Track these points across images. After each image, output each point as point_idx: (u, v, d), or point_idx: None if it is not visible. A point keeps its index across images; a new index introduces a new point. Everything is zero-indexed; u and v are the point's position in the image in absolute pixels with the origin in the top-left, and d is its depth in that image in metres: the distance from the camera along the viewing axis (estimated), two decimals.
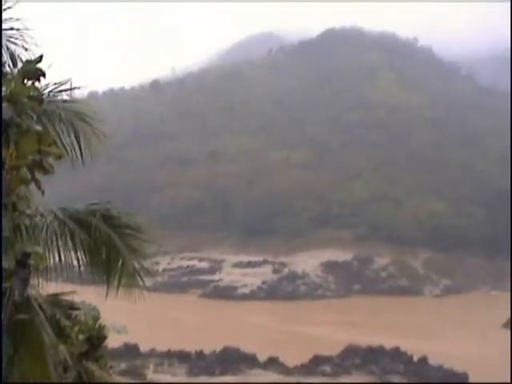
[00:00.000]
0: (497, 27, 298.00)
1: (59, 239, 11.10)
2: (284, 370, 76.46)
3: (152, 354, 78.88)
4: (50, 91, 11.49)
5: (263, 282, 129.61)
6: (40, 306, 11.05)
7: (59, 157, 10.87)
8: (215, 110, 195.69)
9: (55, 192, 16.12)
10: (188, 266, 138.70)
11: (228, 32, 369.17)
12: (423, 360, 79.27)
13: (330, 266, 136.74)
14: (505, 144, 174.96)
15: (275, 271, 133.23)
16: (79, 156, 11.49)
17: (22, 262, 10.50)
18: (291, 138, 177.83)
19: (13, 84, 10.75)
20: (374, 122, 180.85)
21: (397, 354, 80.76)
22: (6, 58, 11.39)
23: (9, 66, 11.40)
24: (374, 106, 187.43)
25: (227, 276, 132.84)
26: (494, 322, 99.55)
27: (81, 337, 14.04)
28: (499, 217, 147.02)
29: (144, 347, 79.00)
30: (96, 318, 14.34)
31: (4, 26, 11.39)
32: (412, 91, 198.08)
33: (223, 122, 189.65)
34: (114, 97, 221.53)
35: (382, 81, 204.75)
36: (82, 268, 11.29)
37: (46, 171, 10.68)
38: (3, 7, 11.30)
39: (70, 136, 11.50)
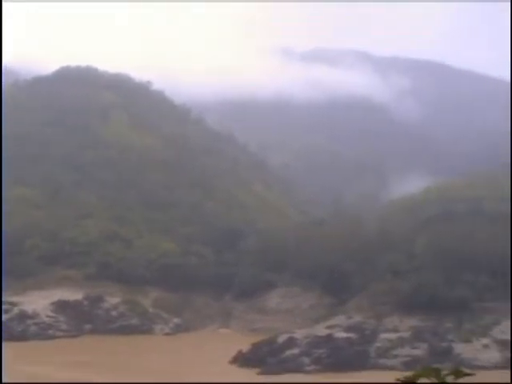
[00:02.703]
0: (229, 73, 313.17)
1: None
2: None
3: None
4: None
5: None
6: None
7: None
8: None
9: None
10: None
11: None
12: None
13: (60, 306, 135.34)
14: (229, 186, 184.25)
15: (5, 311, 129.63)
16: None
17: None
18: (24, 175, 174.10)
19: None
20: (106, 161, 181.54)
21: None
22: None
23: None
24: (107, 146, 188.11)
25: None
26: (223, 359, 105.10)
27: None
28: (227, 257, 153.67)
29: None
30: None
31: None
32: (145, 133, 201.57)
33: None
34: None
35: (115, 121, 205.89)
36: None
37: None
38: None
39: None
